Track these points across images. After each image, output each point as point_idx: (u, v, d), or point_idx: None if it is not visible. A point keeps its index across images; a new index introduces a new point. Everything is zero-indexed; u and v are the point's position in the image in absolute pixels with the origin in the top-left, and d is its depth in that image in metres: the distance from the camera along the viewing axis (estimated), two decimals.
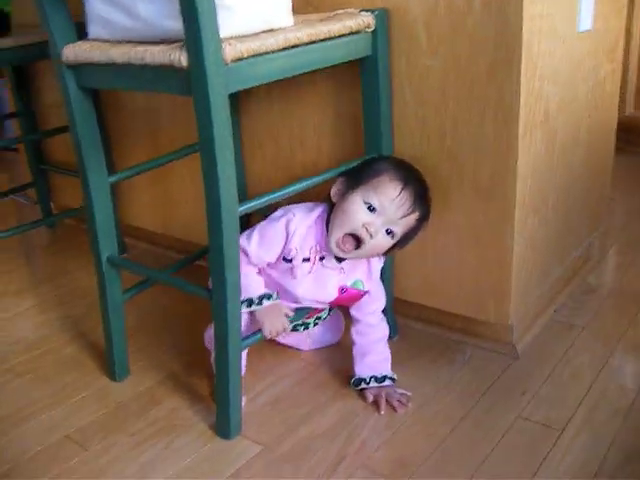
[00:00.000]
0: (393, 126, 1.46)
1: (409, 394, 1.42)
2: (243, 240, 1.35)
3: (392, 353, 1.48)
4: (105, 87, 1.42)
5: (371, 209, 1.28)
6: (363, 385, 1.43)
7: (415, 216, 1.33)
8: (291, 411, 1.40)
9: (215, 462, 1.28)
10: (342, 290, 1.41)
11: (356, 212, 1.29)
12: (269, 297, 1.35)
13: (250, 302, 1.34)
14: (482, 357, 1.56)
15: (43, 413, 1.44)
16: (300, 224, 1.35)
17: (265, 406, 1.43)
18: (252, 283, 1.37)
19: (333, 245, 1.32)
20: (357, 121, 1.49)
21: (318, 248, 1.37)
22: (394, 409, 1.38)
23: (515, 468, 1.22)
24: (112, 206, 1.44)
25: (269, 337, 1.35)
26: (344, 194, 1.33)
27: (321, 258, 1.37)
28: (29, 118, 2.35)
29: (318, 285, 1.39)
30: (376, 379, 1.42)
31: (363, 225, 1.28)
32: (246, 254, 1.35)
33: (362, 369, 1.44)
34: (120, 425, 1.39)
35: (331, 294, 1.41)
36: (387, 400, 1.40)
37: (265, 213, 1.44)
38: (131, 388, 1.51)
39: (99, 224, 1.42)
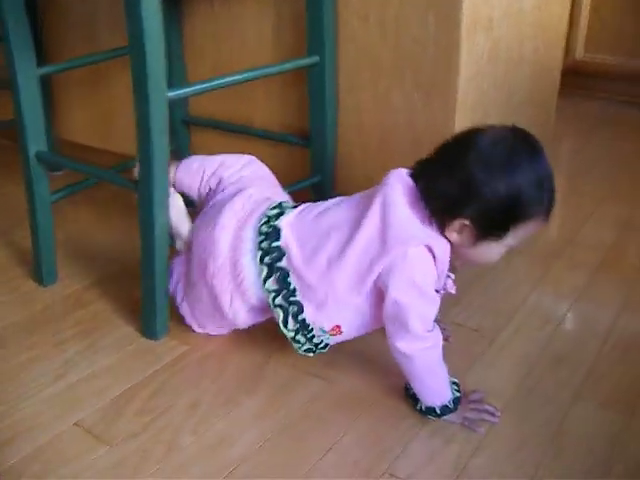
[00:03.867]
0: (336, 26, 1.41)
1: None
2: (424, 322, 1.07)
3: None
4: None
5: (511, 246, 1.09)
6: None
7: None
8: None
9: (139, 360, 1.25)
10: None
11: (498, 255, 1.10)
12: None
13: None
14: None
15: None
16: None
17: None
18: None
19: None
20: (299, 21, 1.44)
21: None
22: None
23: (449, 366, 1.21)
24: (41, 102, 1.38)
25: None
26: (476, 242, 1.06)
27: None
28: None
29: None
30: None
31: None
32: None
33: None
34: (43, 326, 1.35)
35: None
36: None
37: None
38: (58, 292, 1.46)
39: (27, 118, 1.35)
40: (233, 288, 1.17)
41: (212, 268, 1.17)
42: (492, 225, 1.03)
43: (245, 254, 1.15)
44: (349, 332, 1.15)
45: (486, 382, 1.19)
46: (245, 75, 1.31)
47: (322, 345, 1.17)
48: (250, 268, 1.15)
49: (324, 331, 1.14)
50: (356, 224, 1.08)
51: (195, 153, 1.74)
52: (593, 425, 1.10)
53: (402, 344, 1.07)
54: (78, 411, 1.13)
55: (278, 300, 1.13)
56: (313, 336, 1.15)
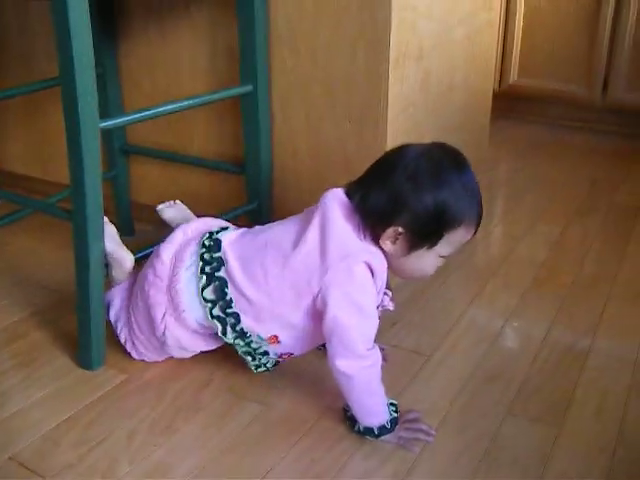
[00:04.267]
0: (269, 57, 1.44)
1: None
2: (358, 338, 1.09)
3: None
4: None
5: (444, 257, 1.12)
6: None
7: None
8: None
9: (77, 391, 1.23)
10: None
11: (431, 266, 1.12)
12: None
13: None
14: None
15: None
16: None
17: None
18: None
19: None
20: (233, 52, 1.47)
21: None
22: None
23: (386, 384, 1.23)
24: None
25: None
26: (410, 251, 1.09)
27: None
28: None
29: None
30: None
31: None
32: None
33: None
34: None
35: None
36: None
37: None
38: None
39: None
40: (168, 300, 1.19)
41: (151, 277, 1.19)
42: (424, 232, 1.07)
43: (185, 266, 1.17)
44: (289, 343, 1.16)
45: (422, 399, 1.21)
46: (178, 105, 1.32)
47: (261, 351, 1.18)
48: (188, 283, 1.17)
49: (261, 338, 1.15)
50: (295, 240, 1.11)
51: (134, 182, 1.75)
52: (524, 439, 1.13)
53: (342, 362, 1.08)
54: (13, 445, 1.11)
55: (215, 311, 1.14)
56: (251, 341, 1.16)
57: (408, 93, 1.43)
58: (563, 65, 2.77)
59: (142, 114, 1.26)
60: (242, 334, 1.16)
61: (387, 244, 1.08)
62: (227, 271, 1.14)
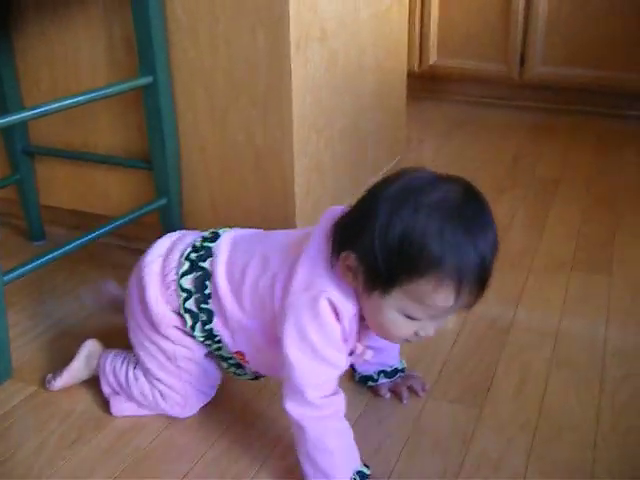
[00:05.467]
0: (169, 47, 1.39)
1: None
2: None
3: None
4: None
5: (413, 318, 0.88)
6: (371, 383, 1.18)
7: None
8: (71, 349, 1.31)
9: None
10: None
11: (395, 325, 0.89)
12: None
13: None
14: None
15: None
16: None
17: (44, 346, 1.33)
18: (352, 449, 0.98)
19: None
20: (132, 42, 1.41)
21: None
22: (416, 393, 1.17)
23: None
24: None
25: None
26: (367, 290, 0.88)
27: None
28: None
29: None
30: (386, 374, 1.17)
31: (413, 334, 0.91)
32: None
33: (366, 367, 1.16)
34: None
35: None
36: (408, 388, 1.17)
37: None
38: None
39: None
40: (160, 280, 1.06)
41: (143, 263, 1.08)
42: (375, 267, 0.84)
43: (180, 253, 1.05)
44: (254, 364, 1.07)
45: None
46: (76, 99, 1.26)
47: (234, 362, 1.09)
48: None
49: (228, 349, 1.06)
50: (280, 256, 0.98)
51: (42, 184, 1.68)
52: (446, 422, 1.11)
53: (290, 405, 0.93)
54: None
55: (189, 304, 1.03)
56: (221, 347, 1.06)
57: (314, 75, 1.40)
58: (481, 44, 2.77)
59: (37, 110, 1.19)
60: (211, 336, 1.04)
61: (349, 276, 0.88)
62: (212, 264, 1.02)
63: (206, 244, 1.05)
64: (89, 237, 1.34)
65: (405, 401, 1.15)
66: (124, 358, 1.14)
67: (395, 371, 1.17)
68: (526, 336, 1.33)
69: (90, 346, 1.19)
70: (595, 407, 1.14)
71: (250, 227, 1.13)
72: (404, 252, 0.81)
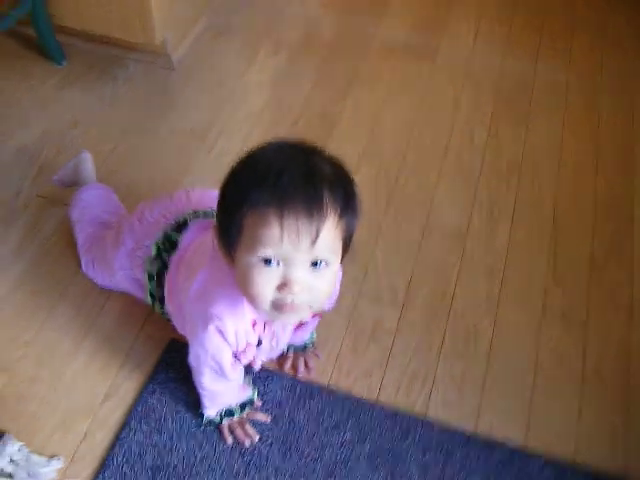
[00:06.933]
0: None
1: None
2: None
3: (63, 77, 1.63)
4: None
5: (268, 262, 0.82)
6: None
7: (331, 221, 0.81)
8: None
9: None
10: (299, 325, 1.09)
11: (256, 283, 0.83)
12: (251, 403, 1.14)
13: (230, 412, 1.12)
14: (143, 71, 1.71)
15: None
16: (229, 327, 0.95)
17: None
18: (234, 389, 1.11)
19: (275, 324, 1.00)
20: None
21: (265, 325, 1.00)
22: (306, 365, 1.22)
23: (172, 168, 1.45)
24: None
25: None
26: (228, 255, 0.88)
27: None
28: None
29: (275, 346, 1.06)
30: (296, 348, 1.22)
31: (276, 288, 0.83)
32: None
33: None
34: None
35: (287, 338, 1.08)
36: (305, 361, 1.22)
37: None
38: None
39: None
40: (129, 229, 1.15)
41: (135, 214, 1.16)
42: (220, 225, 0.87)
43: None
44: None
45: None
46: None
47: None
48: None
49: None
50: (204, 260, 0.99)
51: None
52: None
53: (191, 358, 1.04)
54: None
55: (150, 286, 1.12)
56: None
57: None
58: None
59: None
60: (169, 318, 1.14)
61: (226, 257, 0.89)
62: (171, 257, 1.06)
63: (174, 235, 1.07)
64: None
65: (300, 374, 1.20)
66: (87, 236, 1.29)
67: (304, 346, 1.22)
68: None
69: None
70: None
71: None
72: (227, 198, 0.85)
